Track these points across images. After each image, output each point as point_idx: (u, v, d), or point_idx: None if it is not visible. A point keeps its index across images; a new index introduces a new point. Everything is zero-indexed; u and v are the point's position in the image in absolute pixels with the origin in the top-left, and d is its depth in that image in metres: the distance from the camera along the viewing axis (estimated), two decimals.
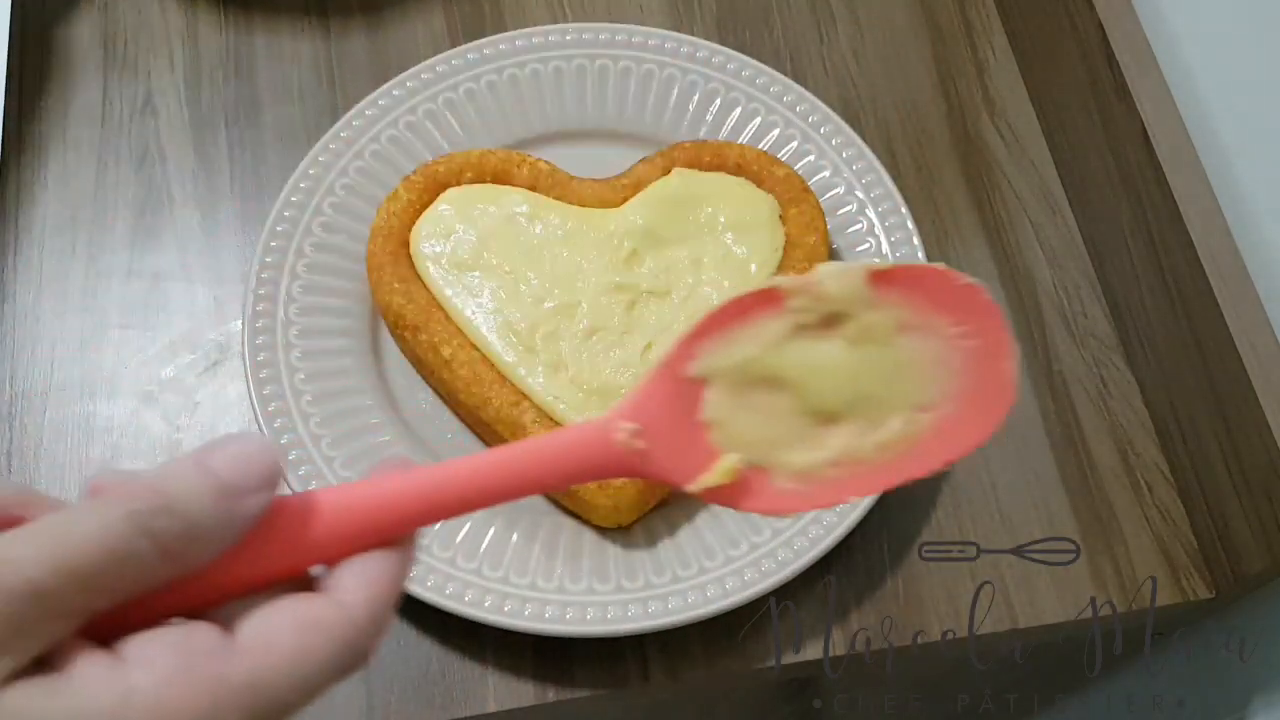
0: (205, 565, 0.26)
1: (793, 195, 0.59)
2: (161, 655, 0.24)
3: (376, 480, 0.29)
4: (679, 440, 0.32)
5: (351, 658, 0.26)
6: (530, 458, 0.30)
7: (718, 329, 0.32)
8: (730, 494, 0.32)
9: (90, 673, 0.23)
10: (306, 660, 0.25)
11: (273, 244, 0.59)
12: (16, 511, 0.25)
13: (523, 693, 0.54)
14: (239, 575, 0.27)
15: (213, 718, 0.24)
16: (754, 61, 0.66)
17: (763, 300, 0.32)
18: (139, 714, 0.23)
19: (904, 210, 0.61)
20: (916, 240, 0.61)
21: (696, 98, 0.65)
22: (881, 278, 0.32)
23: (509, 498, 0.30)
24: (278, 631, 0.25)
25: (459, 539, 0.54)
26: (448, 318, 0.56)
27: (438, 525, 0.54)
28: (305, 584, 0.27)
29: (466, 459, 0.30)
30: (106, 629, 0.25)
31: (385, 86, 0.64)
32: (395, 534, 0.28)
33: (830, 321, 0.32)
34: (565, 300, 0.56)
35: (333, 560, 0.28)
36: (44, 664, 0.23)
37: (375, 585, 0.27)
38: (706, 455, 0.32)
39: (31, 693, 0.23)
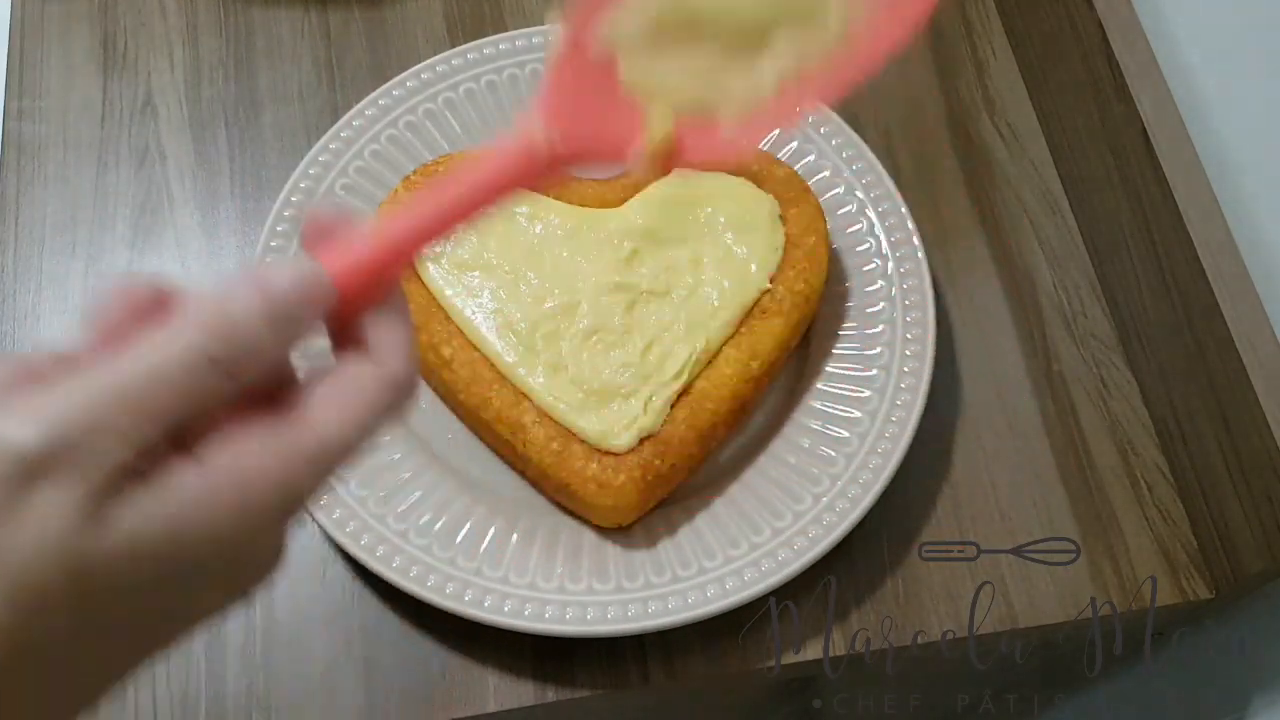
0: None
1: (793, 195, 0.59)
2: (231, 434, 0.28)
3: (346, 246, 0.30)
4: (607, 119, 0.30)
5: (395, 400, 0.30)
6: (466, 188, 0.30)
7: None
8: (683, 152, 0.30)
9: (178, 466, 0.27)
10: (359, 409, 0.29)
11: (273, 244, 0.59)
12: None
13: (523, 693, 0.54)
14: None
15: (285, 467, 0.28)
16: None
17: None
18: (222, 476, 0.27)
19: (904, 210, 0.61)
20: (916, 240, 0.60)
21: None
22: None
23: (458, 221, 0.30)
24: (328, 397, 0.29)
25: (459, 539, 0.54)
26: (448, 318, 0.56)
27: (439, 524, 0.54)
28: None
29: (408, 209, 0.30)
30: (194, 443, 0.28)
31: (385, 86, 0.64)
32: (387, 274, 0.30)
33: None
34: (565, 300, 0.56)
35: (345, 317, 0.30)
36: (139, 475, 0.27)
37: (400, 345, 0.30)
38: (642, 122, 0.30)
39: (136, 493, 0.26)
